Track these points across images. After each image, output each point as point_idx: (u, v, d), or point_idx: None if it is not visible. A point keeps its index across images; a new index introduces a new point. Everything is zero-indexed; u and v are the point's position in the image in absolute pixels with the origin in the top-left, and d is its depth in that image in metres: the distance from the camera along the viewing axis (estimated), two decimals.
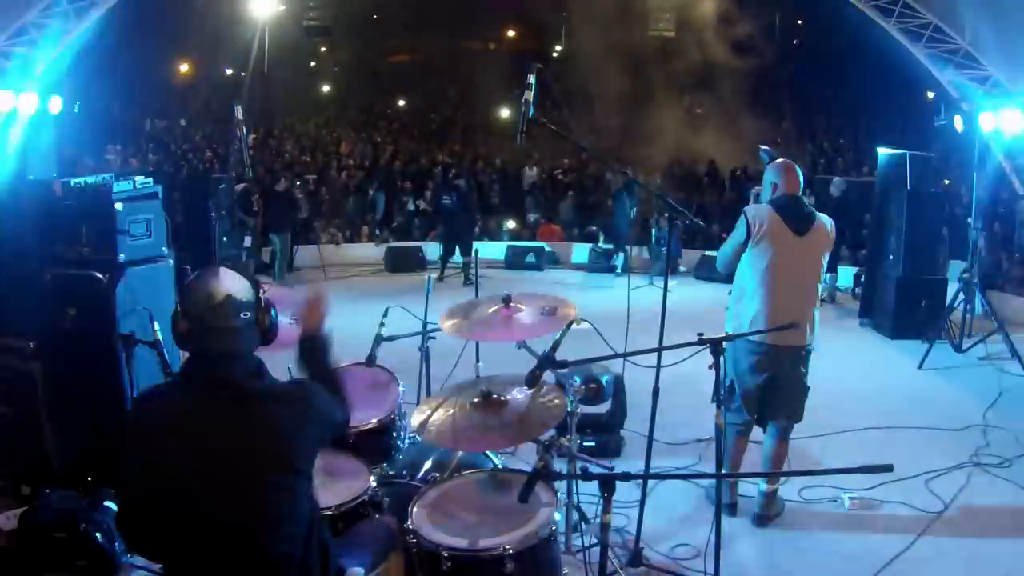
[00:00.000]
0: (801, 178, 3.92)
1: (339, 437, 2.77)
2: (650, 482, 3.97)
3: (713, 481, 4.20)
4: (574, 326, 2.95)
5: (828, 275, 8.59)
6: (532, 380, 2.68)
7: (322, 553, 2.14)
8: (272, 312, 2.16)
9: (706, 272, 11.12)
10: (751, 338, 3.77)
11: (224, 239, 8.87)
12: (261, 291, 2.17)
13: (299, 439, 2.02)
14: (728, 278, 4.13)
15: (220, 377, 2.02)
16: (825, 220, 3.89)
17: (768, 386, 3.89)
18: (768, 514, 3.98)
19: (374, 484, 2.80)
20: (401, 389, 3.44)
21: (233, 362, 2.03)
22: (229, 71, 23.41)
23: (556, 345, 2.75)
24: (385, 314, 3.44)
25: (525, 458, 4.09)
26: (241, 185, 10.18)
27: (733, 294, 3.98)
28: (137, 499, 2.01)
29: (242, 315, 2.04)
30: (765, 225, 3.78)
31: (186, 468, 1.95)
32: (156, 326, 3.44)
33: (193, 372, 2.08)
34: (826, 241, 3.88)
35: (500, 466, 3.22)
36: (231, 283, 2.05)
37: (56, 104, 9.60)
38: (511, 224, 14.18)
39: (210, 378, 2.02)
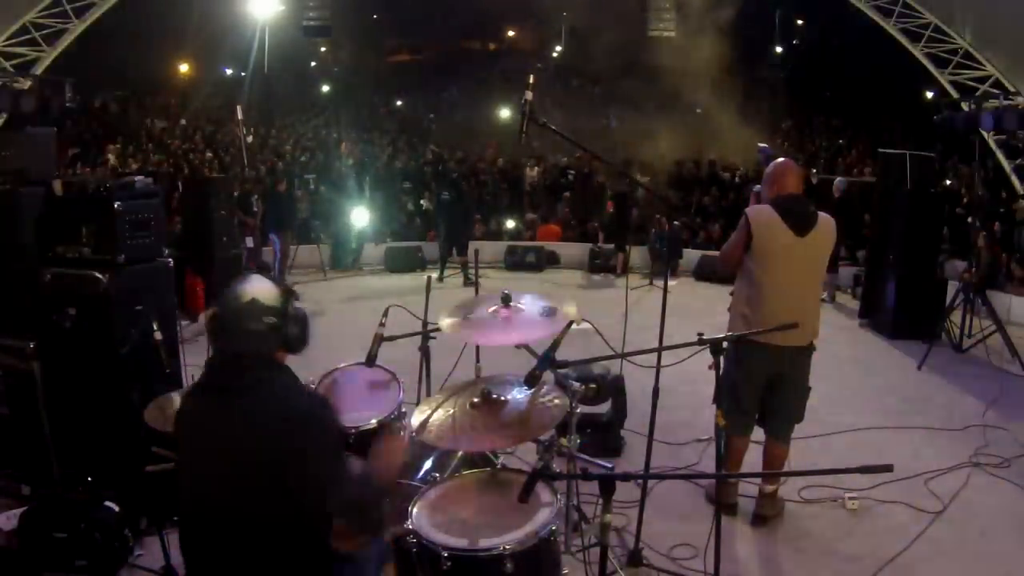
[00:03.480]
0: (801, 177, 3.91)
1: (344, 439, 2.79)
2: (650, 482, 3.97)
3: (713, 481, 4.20)
4: (574, 326, 2.94)
5: (828, 274, 8.59)
6: (532, 380, 2.68)
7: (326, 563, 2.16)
8: (300, 324, 2.18)
9: (706, 272, 11.13)
10: (753, 339, 3.75)
11: (224, 239, 8.87)
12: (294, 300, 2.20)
13: (290, 451, 2.00)
14: (728, 278, 4.11)
15: (232, 377, 2.06)
16: (826, 220, 3.87)
17: (770, 387, 3.89)
18: (768, 514, 3.98)
19: None
20: (401, 393, 3.43)
21: (247, 364, 2.06)
22: (229, 71, 23.42)
23: (556, 345, 2.74)
24: (385, 314, 3.43)
25: (525, 458, 4.09)
26: (241, 185, 10.18)
27: (735, 295, 3.95)
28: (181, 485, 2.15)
29: (265, 319, 2.08)
30: (766, 226, 3.76)
31: (197, 463, 2.10)
32: (155, 326, 3.44)
33: (210, 370, 2.14)
34: (828, 241, 3.86)
35: (500, 466, 3.21)
36: (259, 287, 2.12)
37: (56, 103, 9.58)
38: (511, 224, 14.17)
39: (223, 378, 2.08)
